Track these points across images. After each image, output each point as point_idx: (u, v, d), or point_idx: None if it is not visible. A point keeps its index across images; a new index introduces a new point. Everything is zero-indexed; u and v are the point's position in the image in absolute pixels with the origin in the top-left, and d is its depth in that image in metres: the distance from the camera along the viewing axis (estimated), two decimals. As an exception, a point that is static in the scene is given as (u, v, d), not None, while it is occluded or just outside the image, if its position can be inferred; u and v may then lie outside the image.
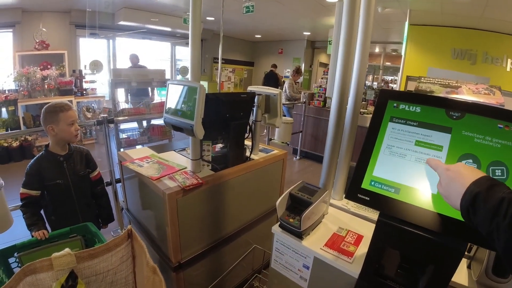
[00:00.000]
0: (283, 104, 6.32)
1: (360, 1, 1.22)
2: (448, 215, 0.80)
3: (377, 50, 9.91)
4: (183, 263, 1.65)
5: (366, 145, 0.92)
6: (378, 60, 10.10)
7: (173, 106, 1.58)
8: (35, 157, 1.71)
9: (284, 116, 6.29)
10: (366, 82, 9.48)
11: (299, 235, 1.17)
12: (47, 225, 1.72)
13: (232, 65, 10.97)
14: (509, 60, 5.47)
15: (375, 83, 9.57)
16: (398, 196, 0.86)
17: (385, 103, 0.94)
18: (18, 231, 1.73)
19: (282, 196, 1.22)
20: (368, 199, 0.88)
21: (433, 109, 0.89)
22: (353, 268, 1.08)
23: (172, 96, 1.62)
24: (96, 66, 5.40)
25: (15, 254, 1.43)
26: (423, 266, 0.89)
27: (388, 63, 10.14)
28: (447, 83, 1.10)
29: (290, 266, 1.26)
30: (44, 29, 5.89)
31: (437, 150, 0.85)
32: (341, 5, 1.22)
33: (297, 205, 1.23)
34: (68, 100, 5.58)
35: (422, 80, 1.12)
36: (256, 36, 10.53)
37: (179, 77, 9.06)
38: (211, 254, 1.84)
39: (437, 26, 5.89)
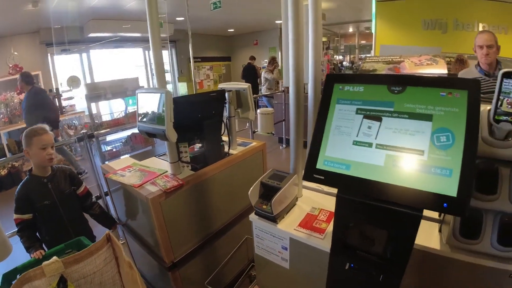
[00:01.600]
0: (264, 95, 6.38)
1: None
2: (396, 184, 0.86)
3: (351, 30, 10.00)
4: (176, 262, 1.72)
5: (317, 128, 0.99)
6: (353, 39, 10.20)
7: (144, 114, 1.63)
8: (21, 183, 1.75)
9: (266, 107, 6.36)
10: (344, 62, 9.60)
11: (273, 219, 1.25)
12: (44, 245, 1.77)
13: (209, 62, 10.93)
14: (480, 25, 5.51)
15: (352, 63, 9.69)
16: (349, 172, 0.93)
17: (331, 86, 1.01)
18: (19, 256, 1.77)
19: (253, 186, 1.29)
20: (323, 178, 0.95)
21: (375, 87, 0.97)
22: (325, 243, 1.16)
23: (142, 105, 1.67)
24: (73, 82, 5.34)
25: (17, 276, 1.49)
26: (386, 234, 0.95)
27: (363, 42, 10.24)
28: (390, 59, 1.17)
29: (271, 250, 1.34)
30: (15, 53, 5.81)
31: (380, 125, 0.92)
32: (285, -1, 1.27)
33: (269, 192, 1.30)
34: (48, 120, 5.55)
35: (366, 60, 1.19)
36: (229, 30, 10.48)
37: (155, 80, 9.03)
38: (204, 250, 1.91)
39: (404, -1, 5.96)
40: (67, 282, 1.21)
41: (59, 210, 1.78)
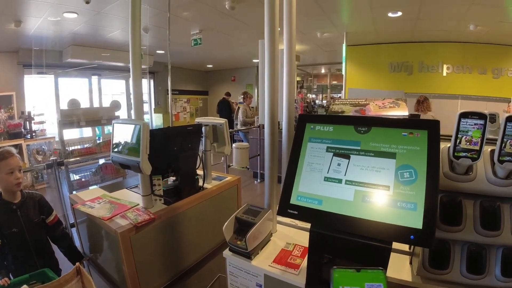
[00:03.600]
0: (239, 130, 6.48)
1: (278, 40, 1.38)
2: (366, 218, 0.90)
3: (323, 70, 10.59)
4: (144, 301, 1.63)
5: (290, 165, 1.04)
6: (326, 79, 10.77)
7: (118, 145, 1.62)
8: None
9: (241, 141, 6.44)
10: (317, 101, 10.04)
11: (248, 256, 1.24)
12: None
13: (187, 95, 11.03)
14: (444, 66, 6.00)
15: (325, 101, 10.14)
16: (321, 207, 0.97)
17: (303, 126, 1.07)
18: None
19: (228, 221, 1.29)
20: (297, 213, 0.98)
21: (343, 127, 1.04)
22: (300, 279, 1.15)
23: (118, 135, 1.66)
24: (73, 104, 5.01)
25: None
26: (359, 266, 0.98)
27: (334, 82, 10.81)
28: (356, 102, 1.26)
29: (245, 287, 1.32)
30: None
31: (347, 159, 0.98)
32: (263, 43, 1.36)
33: (243, 228, 1.30)
34: (17, 144, 5.30)
35: (335, 103, 1.28)
36: (208, 66, 10.74)
37: (132, 111, 8.93)
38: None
39: (373, 44, 6.44)
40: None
41: (26, 239, 1.67)
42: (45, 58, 5.91)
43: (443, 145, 1.08)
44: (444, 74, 6.05)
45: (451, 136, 1.03)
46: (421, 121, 0.98)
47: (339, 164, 1.00)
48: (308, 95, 9.92)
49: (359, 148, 1.00)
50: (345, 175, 0.98)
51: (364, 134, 1.01)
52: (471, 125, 0.97)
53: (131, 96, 1.63)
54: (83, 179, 3.18)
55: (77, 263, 1.29)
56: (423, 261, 1.07)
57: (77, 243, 2.47)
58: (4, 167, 1.62)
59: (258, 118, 5.70)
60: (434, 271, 1.06)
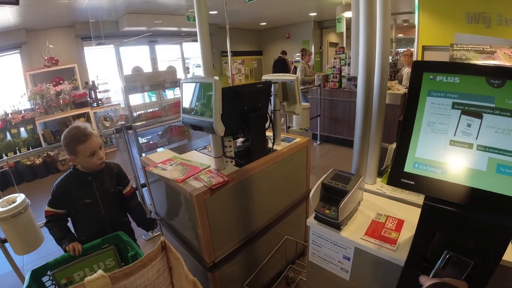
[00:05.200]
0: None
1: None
2: (499, 193, 0.73)
3: (388, 22, 9.52)
4: (217, 262, 1.63)
5: (405, 125, 0.84)
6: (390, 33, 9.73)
7: (189, 105, 1.54)
8: (62, 176, 1.63)
9: (300, 101, 6.17)
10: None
11: (337, 226, 1.12)
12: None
13: (241, 56, 10.84)
14: None
15: (390, 57, 9.20)
16: (445, 177, 0.78)
17: (420, 76, 0.85)
18: (50, 247, 1.71)
19: (315, 187, 1.16)
20: (413, 183, 0.81)
21: (472, 78, 0.80)
22: (398, 255, 1.02)
23: (187, 95, 1.58)
24: (137, 71, 5.22)
25: (48, 272, 1.41)
26: (473, 247, 0.82)
27: (400, 35, 9.71)
28: (481, 48, 0.99)
29: (329, 258, 1.21)
30: (51, 46, 5.97)
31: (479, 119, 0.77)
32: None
33: (331, 195, 1.17)
34: (84, 112, 5.69)
35: (455, 48, 1.02)
36: (261, 24, 10.33)
37: (189, 75, 9.05)
38: (244, 250, 1.81)
39: (447, -11, 5.54)
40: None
41: (100, 210, 1.66)
42: (102, 28, 6.10)
43: None
44: (525, 28, 5.03)
45: None
46: None
47: (469, 125, 0.79)
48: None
49: (493, 105, 0.77)
50: (476, 138, 0.77)
51: (498, 88, 0.77)
52: None
53: (187, 59, 1.51)
54: (150, 142, 3.29)
55: (162, 238, 1.24)
56: None
57: (148, 202, 2.60)
58: (85, 151, 1.54)
59: (317, 76, 5.36)
60: None
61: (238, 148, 1.83)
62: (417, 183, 0.81)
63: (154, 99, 8.11)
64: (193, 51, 9.31)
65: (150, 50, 8.49)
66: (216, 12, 7.17)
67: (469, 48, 1.02)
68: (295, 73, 6.29)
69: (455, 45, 1.02)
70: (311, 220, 1.21)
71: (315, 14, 9.10)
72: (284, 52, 8.17)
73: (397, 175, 0.83)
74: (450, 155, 0.79)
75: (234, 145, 1.87)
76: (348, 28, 7.23)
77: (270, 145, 1.94)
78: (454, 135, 0.79)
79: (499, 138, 0.75)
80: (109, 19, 6.50)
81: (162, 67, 8.60)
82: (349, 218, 1.18)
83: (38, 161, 4.93)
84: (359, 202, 1.28)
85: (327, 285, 1.30)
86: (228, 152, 1.69)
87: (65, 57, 6.25)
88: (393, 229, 1.15)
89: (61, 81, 5.81)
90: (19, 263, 2.30)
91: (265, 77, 2.02)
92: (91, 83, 6.26)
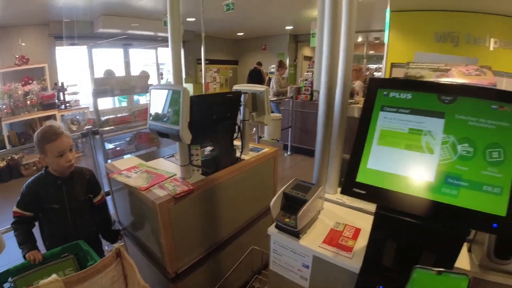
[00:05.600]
0: (271, 100, 6.29)
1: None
2: (445, 202, 0.78)
3: (359, 39, 9.94)
4: (180, 273, 1.60)
5: (358, 137, 0.89)
6: (361, 49, 10.13)
7: (157, 112, 1.53)
8: (33, 176, 1.57)
9: (273, 112, 6.27)
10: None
11: (297, 235, 1.14)
12: (42, 245, 1.61)
13: (217, 65, 10.86)
14: (492, 40, 5.48)
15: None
16: (393, 187, 0.83)
17: (374, 92, 0.91)
18: (12, 254, 1.63)
19: (276, 196, 1.18)
20: (364, 192, 0.85)
21: (424, 95, 0.87)
22: (353, 263, 1.05)
23: (155, 102, 1.56)
24: (109, 75, 5.05)
25: (9, 279, 1.37)
26: (425, 255, 0.87)
27: (371, 52, 10.16)
28: (436, 67, 1.07)
29: (289, 267, 1.23)
30: (23, 44, 5.71)
31: (431, 136, 0.83)
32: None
33: (292, 204, 1.19)
34: (51, 114, 5.45)
35: (411, 66, 1.09)
36: (238, 34, 10.43)
37: (163, 81, 8.93)
38: (209, 260, 1.79)
39: (418, 10, 5.89)
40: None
41: (67, 217, 1.58)
42: (76, 29, 5.93)
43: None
44: (491, 48, 5.48)
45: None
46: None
47: (418, 139, 0.85)
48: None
49: (443, 120, 0.84)
50: (425, 152, 0.83)
51: (449, 104, 0.84)
52: None
53: (161, 64, 1.51)
54: (118, 148, 3.20)
55: (117, 245, 1.21)
56: (489, 250, 0.95)
57: (112, 211, 2.51)
58: (54, 150, 1.48)
59: (291, 88, 5.47)
60: (499, 261, 0.95)
61: (206, 157, 1.83)
62: (368, 193, 0.85)
63: (125, 104, 7.91)
64: (168, 56, 9.19)
65: (124, 53, 8.32)
66: (194, 19, 7.17)
67: (424, 66, 1.09)
68: (269, 84, 6.41)
69: (411, 64, 1.09)
70: (271, 229, 1.23)
71: (291, 27, 9.34)
72: (259, 63, 8.31)
73: (349, 184, 0.87)
74: (400, 167, 0.84)
75: (202, 153, 1.87)
76: (322, 43, 7.45)
77: (238, 154, 1.95)
78: (404, 148, 0.85)
79: (447, 151, 0.81)
80: (84, 19, 6.32)
81: (136, 71, 8.44)
82: (308, 226, 1.21)
83: (2, 164, 4.63)
84: (319, 211, 1.32)
85: (288, 293, 1.32)
86: (195, 161, 1.68)
87: (37, 56, 5.97)
88: (350, 237, 1.19)
89: (30, 81, 5.56)
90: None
91: (236, 87, 2.04)
92: (60, 85, 6.02)
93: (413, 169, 0.83)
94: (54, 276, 1.03)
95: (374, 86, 0.91)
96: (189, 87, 9.00)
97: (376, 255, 0.94)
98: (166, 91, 1.49)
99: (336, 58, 1.23)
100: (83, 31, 6.36)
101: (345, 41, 1.28)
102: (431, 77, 1.03)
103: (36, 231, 1.62)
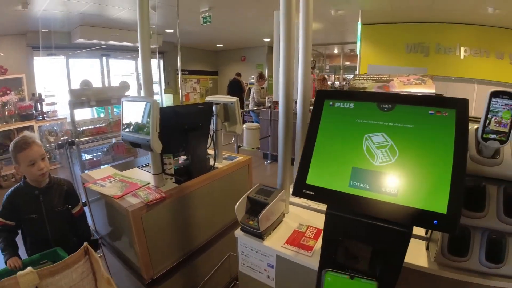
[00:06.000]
0: (251, 110, 6.41)
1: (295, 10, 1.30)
2: (390, 202, 0.85)
3: (336, 51, 10.29)
4: (156, 279, 1.64)
5: (307, 143, 0.98)
6: (338, 60, 10.49)
7: (129, 123, 1.59)
8: (13, 187, 1.60)
9: (253, 122, 6.38)
10: (329, 82, 9.82)
11: (260, 236, 1.22)
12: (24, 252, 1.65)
13: (197, 75, 10.93)
14: (462, 48, 5.77)
15: (337, 83, 9.91)
16: (338, 187, 0.92)
17: (322, 103, 1.01)
18: None
19: (239, 200, 1.26)
20: (313, 193, 0.94)
21: (365, 104, 0.97)
22: (313, 261, 1.13)
23: (127, 113, 1.62)
24: (86, 85, 5.02)
25: None
26: (376, 252, 0.94)
27: (347, 63, 10.53)
28: (379, 78, 1.19)
29: (256, 267, 1.30)
30: (1, 54, 5.63)
31: (371, 141, 0.93)
32: (278, 14, 1.29)
33: (256, 208, 1.27)
34: (29, 125, 5.35)
35: (356, 78, 1.21)
36: (217, 45, 10.56)
37: (142, 92, 8.91)
38: (186, 266, 1.84)
39: (389, 23, 6.18)
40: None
41: (45, 227, 1.61)
42: (53, 39, 5.89)
43: (470, 126, 1.01)
44: (462, 57, 5.80)
45: (475, 118, 0.97)
46: (449, 99, 0.91)
47: (357, 145, 0.95)
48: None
49: (382, 125, 0.94)
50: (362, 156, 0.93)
51: (388, 112, 0.95)
52: (501, 105, 0.89)
53: (140, 74, 1.58)
54: (94, 159, 3.20)
55: (85, 243, 1.28)
56: (442, 247, 1.03)
57: (89, 221, 2.51)
58: (24, 159, 1.52)
59: (269, 98, 5.61)
60: (453, 258, 1.02)
61: (179, 166, 1.88)
62: (316, 193, 0.94)
63: (103, 115, 7.82)
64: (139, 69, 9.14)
65: (103, 63, 8.26)
66: (172, 30, 7.24)
67: (368, 78, 1.21)
68: (250, 95, 6.54)
69: (356, 76, 1.20)
70: (238, 232, 1.30)
71: (268, 39, 9.56)
72: (238, 74, 8.47)
73: (300, 186, 0.96)
74: (341, 169, 0.93)
75: (176, 162, 1.92)
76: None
77: (212, 163, 2.02)
78: (346, 151, 0.94)
79: (386, 155, 0.91)
80: (62, 30, 6.27)
81: (115, 81, 8.38)
82: (272, 228, 1.29)
83: (-21, 175, 4.51)
84: (284, 214, 1.40)
85: (257, 294, 1.38)
86: (167, 170, 1.74)
87: (14, 66, 5.88)
88: (312, 237, 1.27)
89: (8, 91, 5.46)
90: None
91: (208, 98, 2.13)
92: (37, 95, 5.93)
93: (353, 171, 0.92)
94: (29, 268, 1.15)
95: (321, 97, 1.01)
96: (169, 97, 9.00)
97: (331, 253, 1.01)
98: (137, 103, 1.55)
99: (292, 70, 1.32)
100: (60, 41, 6.32)
101: (303, 55, 1.39)
102: (373, 88, 1.15)
103: (19, 239, 1.64)
